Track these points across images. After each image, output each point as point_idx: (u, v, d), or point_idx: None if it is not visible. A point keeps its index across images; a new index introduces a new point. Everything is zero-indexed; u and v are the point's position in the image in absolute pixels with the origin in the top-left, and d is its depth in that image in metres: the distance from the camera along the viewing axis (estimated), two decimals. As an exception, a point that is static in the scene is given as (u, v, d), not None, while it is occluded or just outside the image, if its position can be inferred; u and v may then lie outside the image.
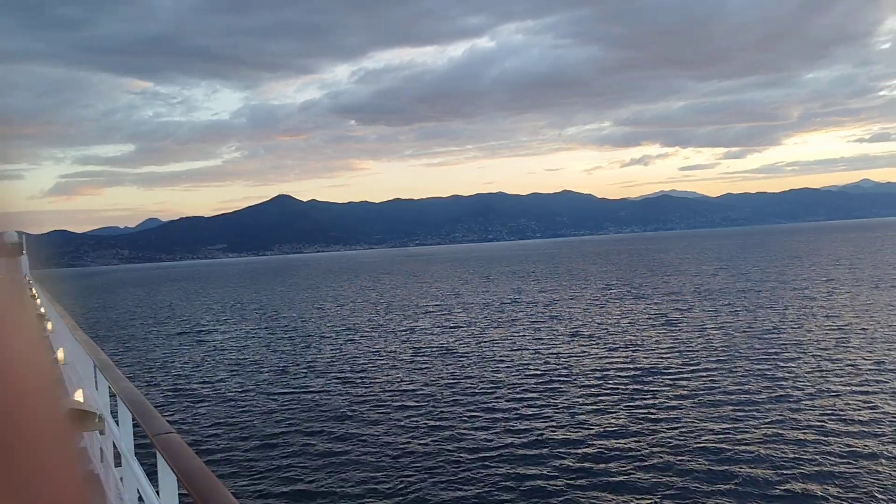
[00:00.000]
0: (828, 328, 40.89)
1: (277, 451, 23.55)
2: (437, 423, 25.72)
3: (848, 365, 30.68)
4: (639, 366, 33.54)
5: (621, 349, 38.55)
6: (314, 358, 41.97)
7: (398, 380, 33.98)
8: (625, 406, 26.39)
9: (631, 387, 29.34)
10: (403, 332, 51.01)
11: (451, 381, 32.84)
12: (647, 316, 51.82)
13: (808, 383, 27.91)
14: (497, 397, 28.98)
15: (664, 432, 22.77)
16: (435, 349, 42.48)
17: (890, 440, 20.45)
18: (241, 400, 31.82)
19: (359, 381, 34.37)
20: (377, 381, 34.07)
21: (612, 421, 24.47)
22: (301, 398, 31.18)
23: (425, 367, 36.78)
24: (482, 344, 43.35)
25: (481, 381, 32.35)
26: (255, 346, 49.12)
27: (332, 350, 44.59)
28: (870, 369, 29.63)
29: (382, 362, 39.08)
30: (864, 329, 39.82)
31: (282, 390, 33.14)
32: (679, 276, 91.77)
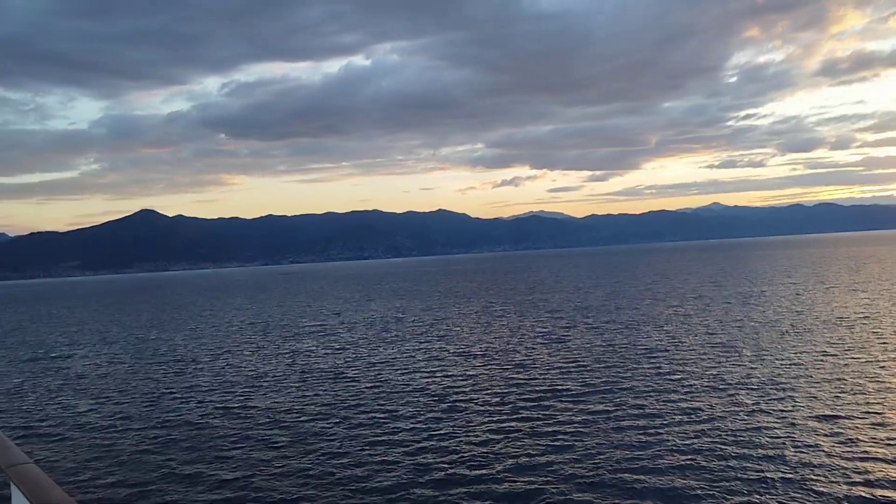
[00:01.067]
0: (708, 343, 42.28)
1: (151, 486, 20.87)
2: (332, 450, 23.83)
3: (728, 377, 31.54)
4: (533, 384, 33.00)
5: (513, 368, 38.00)
6: (190, 384, 38.64)
7: (285, 406, 31.65)
8: (523, 423, 25.62)
9: (526, 404, 28.65)
10: (287, 355, 48.27)
11: (344, 406, 30.94)
12: (533, 334, 51.89)
13: (693, 394, 28.32)
14: (393, 418, 27.42)
15: (561, 447, 22.12)
16: (323, 372, 40.28)
17: (772, 449, 20.74)
18: (108, 431, 28.47)
19: (241, 408, 31.72)
20: (262, 407, 31.58)
21: (510, 439, 23.58)
22: (176, 428, 28.24)
23: (314, 392, 34.60)
24: (372, 366, 41.59)
25: (375, 404, 30.66)
26: (121, 372, 44.79)
27: (209, 375, 41.30)
28: (744, 380, 30.54)
29: (267, 387, 36.48)
30: (739, 343, 41.49)
31: (153, 420, 29.94)
32: (558, 293, 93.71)
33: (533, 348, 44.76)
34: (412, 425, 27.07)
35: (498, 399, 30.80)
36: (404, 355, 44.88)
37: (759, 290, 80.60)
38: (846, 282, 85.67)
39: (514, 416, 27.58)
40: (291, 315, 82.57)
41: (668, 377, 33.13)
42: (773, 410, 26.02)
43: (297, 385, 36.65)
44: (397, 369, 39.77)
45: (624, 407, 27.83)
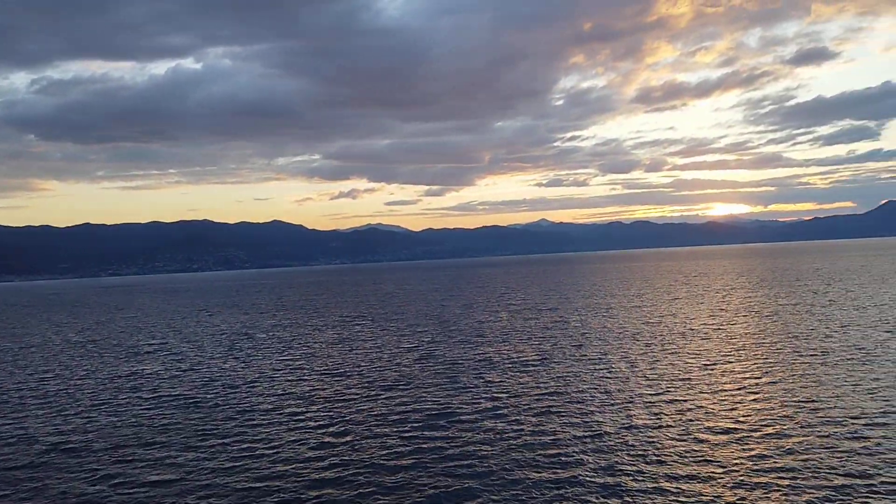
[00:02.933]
0: (583, 355, 42.35)
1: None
2: (192, 483, 20.39)
3: (596, 378, 31.36)
4: (417, 405, 30.97)
5: (388, 387, 35.76)
6: (9, 414, 32.71)
7: (132, 441, 27.30)
8: (412, 444, 23.57)
9: (414, 426, 26.61)
10: (126, 379, 42.68)
11: (202, 436, 27.18)
12: (399, 349, 49.84)
13: (563, 396, 27.71)
14: (273, 453, 24.29)
15: (460, 473, 20.39)
16: (172, 398, 35.72)
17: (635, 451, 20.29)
18: None
19: (80, 444, 26.96)
20: (101, 448, 27.02)
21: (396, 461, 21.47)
22: (7, 468, 23.24)
23: (165, 422, 30.32)
24: (231, 389, 37.55)
25: (240, 433, 27.19)
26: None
27: (34, 404, 35.33)
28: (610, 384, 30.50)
29: (107, 419, 31.55)
30: (608, 355, 41.95)
31: (-28, 468, 24.55)
32: (411, 306, 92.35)
33: (405, 366, 42.66)
34: (299, 460, 24.02)
35: (385, 425, 28.41)
36: (263, 376, 41.13)
37: (605, 301, 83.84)
38: (686, 294, 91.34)
39: (402, 440, 25.36)
40: (124, 332, 74.64)
41: (545, 386, 32.36)
42: (639, 401, 25.78)
43: (142, 414, 32.04)
44: (258, 392, 36.12)
45: (509, 420, 26.51)
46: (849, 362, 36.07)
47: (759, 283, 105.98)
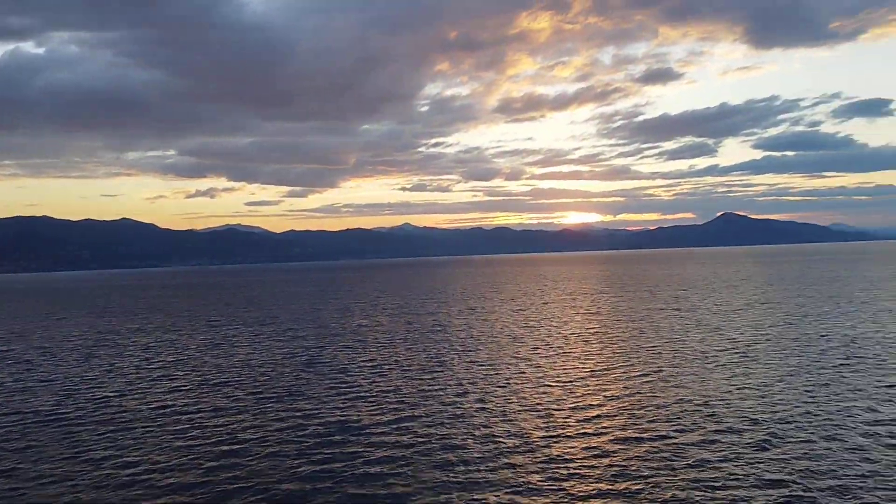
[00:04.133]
0: (468, 358, 41.90)
1: None
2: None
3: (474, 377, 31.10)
4: (312, 419, 29.16)
5: (279, 396, 33.60)
6: None
7: (-4, 465, 23.69)
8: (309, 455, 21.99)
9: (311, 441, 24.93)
10: (-31, 392, 37.53)
11: (69, 458, 24.06)
12: (282, 355, 47.34)
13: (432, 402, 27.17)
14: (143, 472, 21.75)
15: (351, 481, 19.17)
16: (26, 412, 31.67)
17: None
18: None
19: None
20: (-40, 470, 23.25)
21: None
22: None
23: (25, 444, 26.68)
24: (92, 401, 33.85)
25: (114, 454, 24.29)
26: None
27: None
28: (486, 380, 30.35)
29: (-45, 439, 27.34)
30: (492, 354, 41.83)
31: None
32: (284, 310, 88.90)
33: (291, 373, 40.41)
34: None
35: (282, 441, 26.40)
36: (133, 387, 37.53)
37: (481, 304, 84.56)
38: (557, 298, 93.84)
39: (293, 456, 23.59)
40: (-44, 339, 66.39)
41: (440, 391, 31.55)
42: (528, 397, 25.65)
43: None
44: (131, 406, 32.78)
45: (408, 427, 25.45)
46: (719, 361, 37.91)
47: (624, 288, 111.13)
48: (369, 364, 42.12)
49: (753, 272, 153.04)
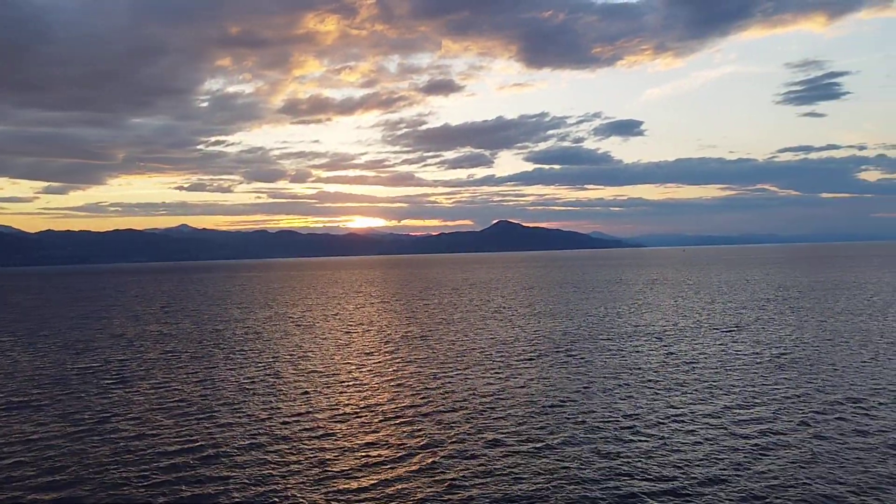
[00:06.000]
0: (298, 368, 39.25)
1: None
2: None
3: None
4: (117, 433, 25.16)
5: (101, 419, 28.79)
6: None
7: None
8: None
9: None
10: None
11: None
12: (77, 371, 41.09)
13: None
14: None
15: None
16: None
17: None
18: None
19: None
20: None
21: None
22: None
23: None
24: None
25: None
26: None
27: None
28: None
29: None
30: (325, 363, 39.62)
31: None
32: (55, 318, 78.41)
33: (100, 392, 35.02)
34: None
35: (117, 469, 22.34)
36: None
37: (291, 311, 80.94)
38: (365, 301, 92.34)
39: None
40: None
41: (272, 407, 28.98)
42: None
43: None
44: None
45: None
46: (532, 359, 39.01)
47: (425, 291, 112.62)
48: (195, 377, 37.73)
49: (535, 274, 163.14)
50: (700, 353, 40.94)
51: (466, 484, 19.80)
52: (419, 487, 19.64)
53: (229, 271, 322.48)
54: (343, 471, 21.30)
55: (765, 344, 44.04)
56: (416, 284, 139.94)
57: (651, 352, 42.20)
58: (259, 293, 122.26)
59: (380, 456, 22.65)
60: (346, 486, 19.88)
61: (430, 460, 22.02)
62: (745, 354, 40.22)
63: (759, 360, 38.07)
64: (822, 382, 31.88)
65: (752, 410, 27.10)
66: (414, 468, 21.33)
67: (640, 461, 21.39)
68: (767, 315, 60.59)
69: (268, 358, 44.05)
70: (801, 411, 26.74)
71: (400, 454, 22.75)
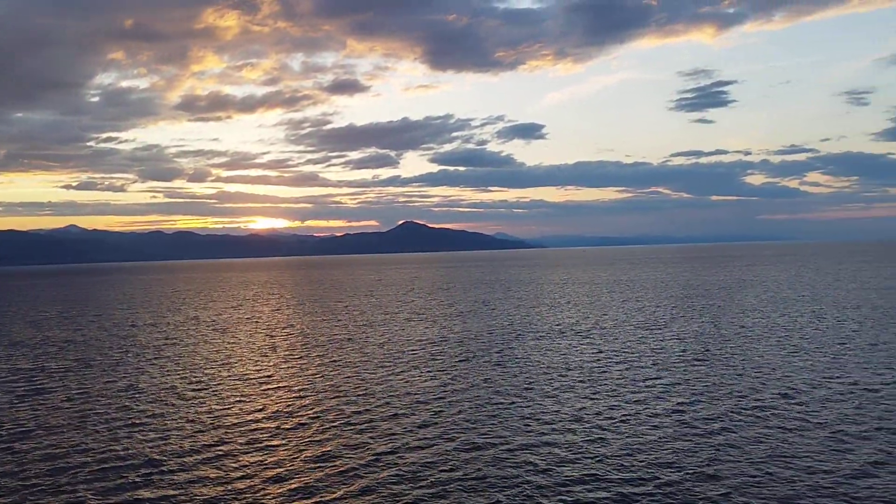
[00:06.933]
0: (219, 374, 37.42)
1: None
2: None
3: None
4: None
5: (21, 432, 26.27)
6: None
7: None
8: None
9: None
10: None
11: None
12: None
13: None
14: None
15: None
16: None
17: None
18: None
19: None
20: None
21: None
22: None
23: None
24: None
25: None
26: None
27: None
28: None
29: None
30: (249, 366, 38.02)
31: None
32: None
33: (25, 403, 32.12)
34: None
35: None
36: None
37: (195, 315, 77.65)
38: (290, 303, 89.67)
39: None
40: None
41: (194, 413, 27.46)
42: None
43: None
44: None
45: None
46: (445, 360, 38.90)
47: (340, 293, 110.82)
48: (116, 385, 35.20)
49: (447, 274, 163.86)
50: (630, 351, 41.74)
51: (405, 487, 19.12)
52: (363, 492, 18.80)
53: (125, 273, 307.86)
54: (279, 475, 20.25)
55: (688, 340, 45.49)
56: (327, 285, 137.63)
57: (582, 350, 42.72)
58: (165, 296, 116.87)
59: (319, 461, 21.67)
60: (279, 492, 18.81)
61: (376, 464, 21.19)
62: (674, 351, 41.32)
63: (685, 357, 39.19)
64: (752, 376, 33.07)
65: (696, 407, 27.69)
66: (357, 473, 20.44)
67: (598, 461, 21.32)
68: (684, 312, 62.80)
69: (189, 364, 41.78)
70: (750, 405, 27.56)
71: (342, 458, 21.78)
